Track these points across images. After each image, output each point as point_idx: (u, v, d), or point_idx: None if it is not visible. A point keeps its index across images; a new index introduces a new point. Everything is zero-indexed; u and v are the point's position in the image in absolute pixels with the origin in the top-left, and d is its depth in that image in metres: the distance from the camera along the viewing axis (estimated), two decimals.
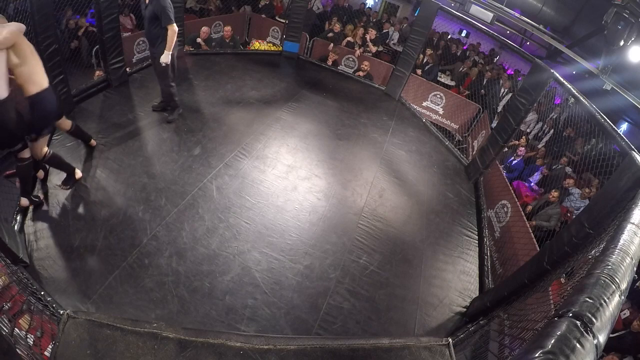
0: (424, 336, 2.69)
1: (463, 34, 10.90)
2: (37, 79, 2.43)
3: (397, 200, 4.00)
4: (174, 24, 3.48)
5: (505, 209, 4.54)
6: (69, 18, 6.05)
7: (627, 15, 5.42)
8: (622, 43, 5.66)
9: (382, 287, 3.00)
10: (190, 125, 4.03)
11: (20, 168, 2.60)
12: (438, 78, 7.81)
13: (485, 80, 7.66)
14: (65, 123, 3.07)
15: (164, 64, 3.58)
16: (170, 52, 3.56)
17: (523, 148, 6.36)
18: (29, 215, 2.69)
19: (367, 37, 7.10)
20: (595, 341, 0.95)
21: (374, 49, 7.17)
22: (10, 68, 2.27)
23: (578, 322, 0.98)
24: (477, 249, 3.84)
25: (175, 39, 3.53)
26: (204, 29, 6.05)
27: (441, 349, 2.29)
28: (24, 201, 2.69)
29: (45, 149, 2.75)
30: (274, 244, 3.02)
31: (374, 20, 9.01)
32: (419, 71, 7.33)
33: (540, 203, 5.31)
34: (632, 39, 5.55)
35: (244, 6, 7.91)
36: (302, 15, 6.16)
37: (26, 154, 2.58)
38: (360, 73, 6.65)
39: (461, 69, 8.17)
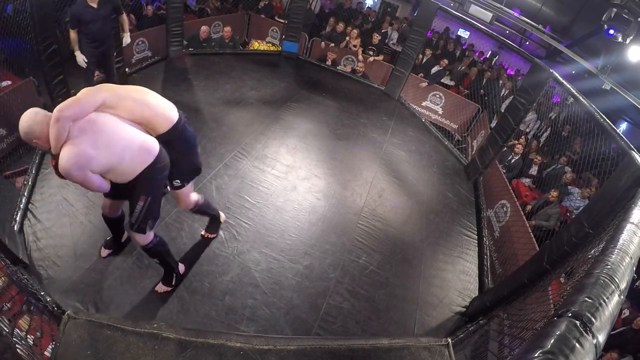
0: (423, 336, 2.69)
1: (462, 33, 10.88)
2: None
3: (396, 200, 4.00)
4: None
5: (504, 208, 4.54)
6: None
7: (626, 15, 5.44)
8: (627, 41, 5.67)
9: (382, 287, 3.00)
10: None
11: None
12: None
13: (484, 80, 7.66)
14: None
15: (126, 44, 4.23)
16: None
17: (520, 146, 6.35)
18: (29, 215, 2.69)
19: (372, 41, 7.06)
20: (595, 341, 0.95)
21: (380, 57, 7.03)
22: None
23: (577, 322, 0.98)
24: (477, 248, 3.84)
25: None
26: (204, 28, 6.06)
27: (440, 349, 2.29)
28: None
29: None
30: (274, 244, 3.02)
31: (372, 19, 8.96)
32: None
33: (539, 203, 5.32)
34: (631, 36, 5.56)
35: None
36: (301, 15, 6.16)
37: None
38: (358, 67, 6.66)
39: (460, 67, 8.17)
